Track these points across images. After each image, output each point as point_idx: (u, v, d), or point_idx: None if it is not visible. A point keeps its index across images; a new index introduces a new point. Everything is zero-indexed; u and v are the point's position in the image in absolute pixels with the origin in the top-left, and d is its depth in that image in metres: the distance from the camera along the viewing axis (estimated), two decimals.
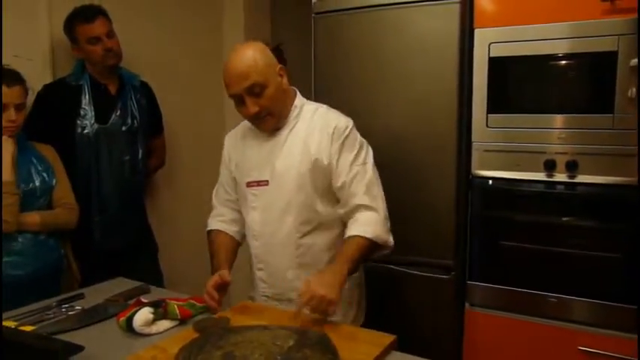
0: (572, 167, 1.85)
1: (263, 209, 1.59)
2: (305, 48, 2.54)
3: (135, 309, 1.36)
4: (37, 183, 1.83)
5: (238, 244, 1.74)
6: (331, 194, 1.58)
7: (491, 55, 1.95)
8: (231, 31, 3.11)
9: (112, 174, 2.18)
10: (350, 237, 1.49)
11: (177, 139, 2.75)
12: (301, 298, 1.33)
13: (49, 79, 2.17)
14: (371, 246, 1.50)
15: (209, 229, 1.76)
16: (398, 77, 2.06)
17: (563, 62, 1.89)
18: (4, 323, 1.33)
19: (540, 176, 1.91)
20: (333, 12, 2.19)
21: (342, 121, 1.57)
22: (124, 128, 2.20)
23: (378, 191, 1.57)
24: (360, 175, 1.55)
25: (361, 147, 1.58)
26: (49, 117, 2.06)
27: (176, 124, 2.70)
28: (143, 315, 1.33)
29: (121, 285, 1.68)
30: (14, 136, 1.79)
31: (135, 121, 2.24)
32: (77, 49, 2.14)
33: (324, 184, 1.56)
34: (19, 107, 1.77)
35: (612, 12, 1.76)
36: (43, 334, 1.30)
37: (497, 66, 1.95)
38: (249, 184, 1.62)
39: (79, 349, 1.15)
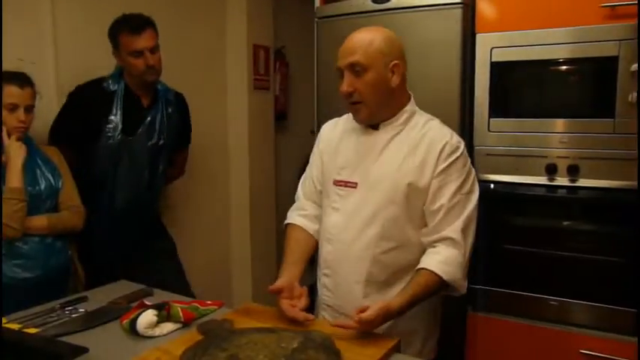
0: (573, 171, 1.86)
1: (345, 213, 1.47)
2: (307, 51, 2.55)
3: (138, 311, 1.36)
4: (43, 186, 1.83)
5: (316, 243, 1.59)
6: (423, 217, 1.44)
7: (493, 59, 1.96)
8: (233, 34, 3.13)
9: (128, 187, 2.14)
10: (424, 269, 1.36)
11: None
12: (359, 320, 1.24)
13: (52, 83, 2.18)
14: (441, 286, 1.37)
15: (287, 222, 1.63)
16: None
17: (565, 67, 1.90)
18: (9, 325, 1.33)
19: (542, 180, 1.92)
20: (335, 17, 2.20)
21: (454, 140, 1.43)
22: (149, 143, 2.14)
23: (473, 230, 1.43)
24: (460, 205, 1.41)
25: (469, 173, 1.44)
26: (78, 118, 2.05)
27: None
28: (146, 317, 1.33)
29: (124, 288, 1.68)
30: (22, 139, 1.80)
31: (162, 137, 2.17)
32: (118, 55, 2.08)
33: (417, 205, 1.42)
34: (28, 109, 1.79)
35: (613, 17, 1.77)
36: (47, 336, 1.30)
37: (499, 70, 1.96)
38: (336, 183, 1.50)
39: (84, 351, 1.14)
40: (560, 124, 1.89)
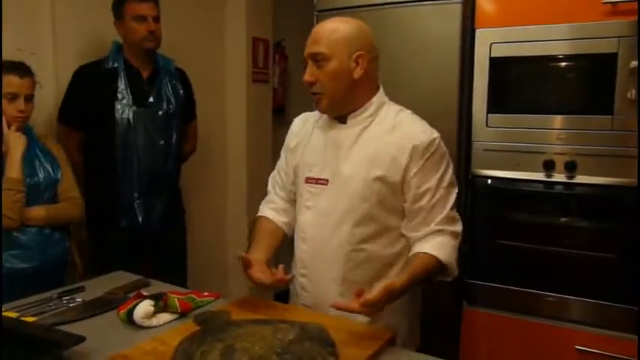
0: (570, 168, 1.86)
1: (318, 211, 1.45)
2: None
3: (135, 302, 1.37)
4: (42, 177, 1.83)
5: (285, 234, 1.60)
6: (400, 210, 1.42)
7: (492, 55, 1.96)
8: (232, 26, 3.13)
9: (147, 158, 2.20)
10: (420, 253, 1.35)
11: None
12: (364, 303, 1.17)
13: (50, 73, 2.18)
14: (437, 270, 1.36)
15: (258, 215, 1.64)
16: (399, 76, 2.06)
17: (564, 63, 1.90)
18: (6, 314, 1.34)
19: (539, 176, 1.92)
20: (335, 10, 2.19)
21: (426, 135, 1.39)
22: (160, 113, 2.23)
23: (458, 219, 1.44)
24: (443, 198, 1.39)
25: (447, 166, 1.42)
26: (83, 97, 2.12)
27: None
28: (144, 307, 1.34)
29: (121, 278, 1.68)
30: (22, 129, 1.80)
31: (170, 106, 2.26)
32: (120, 25, 2.17)
33: (390, 200, 1.41)
34: (28, 98, 1.79)
35: (613, 14, 1.77)
36: (44, 324, 1.30)
37: (498, 66, 1.96)
38: (307, 180, 1.48)
39: (81, 339, 1.15)
40: (558, 120, 1.89)
